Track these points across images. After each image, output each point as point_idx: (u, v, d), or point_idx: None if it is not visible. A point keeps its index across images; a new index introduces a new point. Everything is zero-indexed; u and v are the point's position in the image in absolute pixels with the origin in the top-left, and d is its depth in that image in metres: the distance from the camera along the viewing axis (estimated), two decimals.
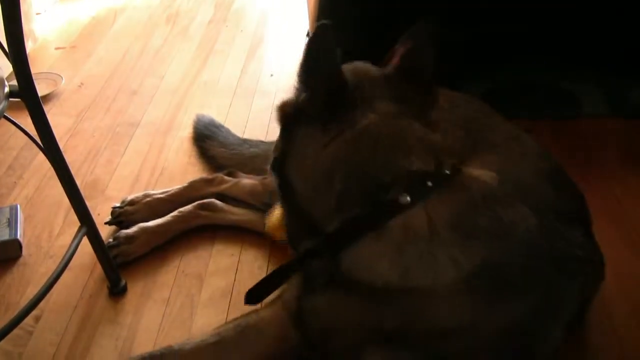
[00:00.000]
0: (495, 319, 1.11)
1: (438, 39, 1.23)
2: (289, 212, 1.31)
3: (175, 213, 1.86)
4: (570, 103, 2.32)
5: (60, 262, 1.46)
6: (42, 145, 1.42)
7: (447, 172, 1.13)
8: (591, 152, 2.10)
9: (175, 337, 1.52)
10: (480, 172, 1.18)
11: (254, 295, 1.25)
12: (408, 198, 1.09)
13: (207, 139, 2.16)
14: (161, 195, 1.94)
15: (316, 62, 1.15)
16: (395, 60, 1.25)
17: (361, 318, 1.16)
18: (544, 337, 1.19)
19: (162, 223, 1.83)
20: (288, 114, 1.25)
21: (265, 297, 1.27)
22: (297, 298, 1.26)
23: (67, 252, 1.48)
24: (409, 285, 1.09)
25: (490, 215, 1.11)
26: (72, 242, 1.51)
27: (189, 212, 1.86)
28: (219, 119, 2.28)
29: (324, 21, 1.13)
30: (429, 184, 1.10)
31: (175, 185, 1.99)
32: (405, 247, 1.09)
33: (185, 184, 1.97)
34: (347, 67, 1.22)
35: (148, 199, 1.93)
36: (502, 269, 1.10)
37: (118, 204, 1.92)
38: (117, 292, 1.65)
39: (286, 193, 1.26)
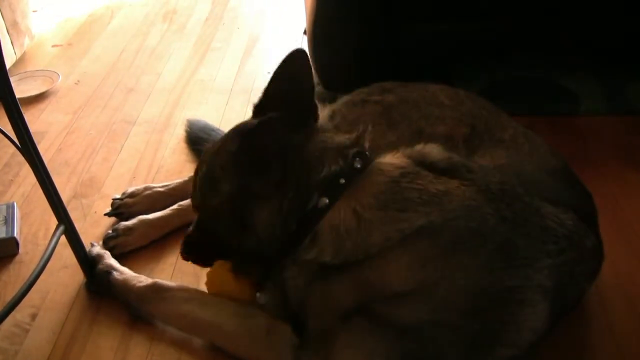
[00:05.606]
0: (449, 276, 1.12)
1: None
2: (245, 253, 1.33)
3: (175, 207, 1.86)
4: (568, 99, 2.33)
5: (39, 262, 1.44)
6: (19, 144, 1.41)
7: (359, 166, 1.21)
8: (588, 148, 2.10)
9: (172, 336, 1.52)
10: (390, 158, 1.24)
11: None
12: (326, 200, 1.18)
13: (204, 142, 2.15)
14: (162, 189, 1.94)
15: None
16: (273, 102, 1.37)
17: (322, 297, 1.20)
18: (521, 300, 1.16)
19: (161, 216, 1.84)
20: None
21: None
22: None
23: (45, 251, 1.47)
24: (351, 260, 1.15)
25: (416, 187, 1.17)
26: (50, 240, 1.50)
27: (189, 206, 1.85)
28: (215, 117, 2.28)
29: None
30: (342, 181, 1.19)
31: None
32: (339, 242, 1.17)
33: (186, 178, 1.96)
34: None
35: (148, 191, 1.93)
36: (443, 229, 1.14)
37: (118, 196, 1.92)
38: (93, 288, 1.65)
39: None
